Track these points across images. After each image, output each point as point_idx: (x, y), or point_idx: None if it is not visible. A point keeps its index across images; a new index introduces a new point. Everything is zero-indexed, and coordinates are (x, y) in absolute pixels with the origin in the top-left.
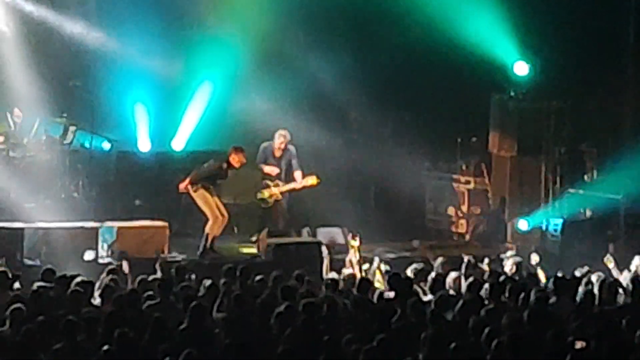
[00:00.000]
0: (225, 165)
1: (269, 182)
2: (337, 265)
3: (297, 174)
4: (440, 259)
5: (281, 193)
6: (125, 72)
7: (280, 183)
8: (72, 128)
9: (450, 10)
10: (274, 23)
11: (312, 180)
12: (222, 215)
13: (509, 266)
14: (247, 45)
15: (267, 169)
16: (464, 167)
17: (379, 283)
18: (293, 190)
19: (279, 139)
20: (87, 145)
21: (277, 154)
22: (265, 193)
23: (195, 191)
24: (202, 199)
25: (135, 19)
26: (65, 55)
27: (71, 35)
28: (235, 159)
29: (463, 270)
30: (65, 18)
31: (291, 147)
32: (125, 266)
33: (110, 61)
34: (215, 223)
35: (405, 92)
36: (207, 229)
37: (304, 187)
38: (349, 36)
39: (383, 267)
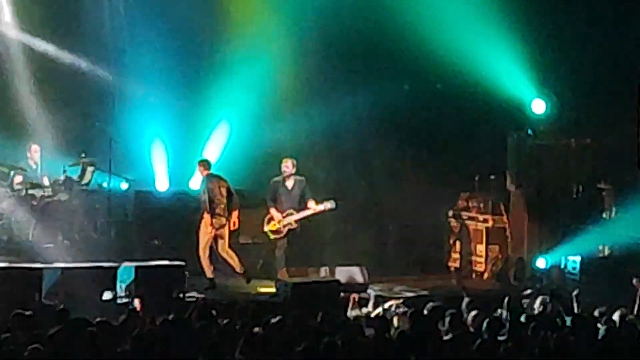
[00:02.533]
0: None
1: (275, 214)
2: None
3: (311, 203)
4: (466, 299)
5: (295, 221)
6: (143, 111)
7: (293, 212)
8: (90, 168)
9: (467, 49)
10: (291, 61)
11: (330, 204)
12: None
13: (537, 304)
14: (264, 84)
15: (272, 211)
16: (482, 206)
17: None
18: (311, 215)
19: (287, 164)
20: (105, 185)
21: (289, 184)
22: (271, 224)
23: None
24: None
25: (154, 59)
26: (84, 95)
27: (88, 74)
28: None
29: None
30: (83, 57)
31: (302, 178)
32: (137, 304)
33: (128, 101)
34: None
35: (423, 130)
36: None
37: (322, 212)
38: (367, 73)
39: (401, 309)
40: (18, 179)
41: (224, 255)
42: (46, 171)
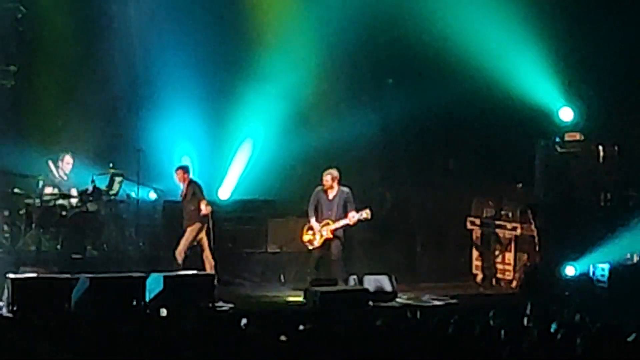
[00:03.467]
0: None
1: (315, 224)
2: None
3: (351, 214)
4: (492, 312)
5: (332, 232)
6: (171, 121)
7: (330, 222)
8: (118, 178)
9: (495, 57)
10: (318, 70)
11: (365, 214)
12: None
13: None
14: (292, 93)
15: (312, 221)
16: (510, 214)
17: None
18: (347, 226)
19: (326, 177)
20: (133, 195)
21: (330, 195)
22: (309, 234)
23: None
24: None
25: (181, 69)
26: (112, 106)
27: (116, 85)
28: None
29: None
30: (111, 68)
31: (345, 189)
32: (163, 313)
33: (156, 111)
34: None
35: (451, 138)
36: None
37: (357, 222)
38: (396, 82)
39: None
40: (48, 189)
41: (208, 260)
42: (74, 182)
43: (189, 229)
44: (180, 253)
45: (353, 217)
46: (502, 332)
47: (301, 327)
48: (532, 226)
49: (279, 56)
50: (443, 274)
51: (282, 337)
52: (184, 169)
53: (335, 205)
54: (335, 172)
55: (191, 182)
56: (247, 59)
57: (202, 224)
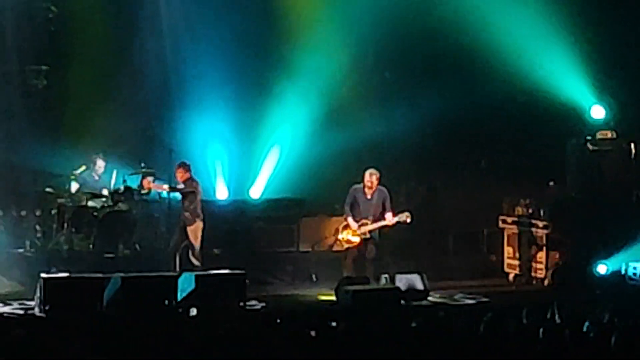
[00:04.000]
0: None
1: (352, 223)
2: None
3: (388, 215)
4: (524, 310)
5: (370, 231)
6: (203, 121)
7: (368, 222)
8: (150, 178)
9: (526, 55)
10: (349, 69)
11: (405, 217)
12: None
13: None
14: (322, 93)
15: (349, 220)
16: (542, 212)
17: None
18: (385, 227)
19: (368, 177)
20: (164, 195)
21: (368, 194)
22: (345, 232)
23: None
24: None
25: (213, 67)
26: (143, 106)
27: (148, 85)
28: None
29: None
30: (143, 68)
31: (384, 189)
32: (193, 312)
33: (188, 110)
34: None
35: (482, 137)
36: None
37: (396, 224)
38: (427, 81)
39: None
40: (74, 186)
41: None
42: (106, 182)
43: (190, 229)
44: (197, 257)
45: (392, 219)
46: (535, 330)
47: (333, 324)
48: (564, 224)
49: (310, 55)
50: (475, 273)
51: (312, 333)
52: (185, 167)
53: (374, 205)
54: (376, 173)
55: (192, 180)
56: (279, 58)
57: (202, 223)
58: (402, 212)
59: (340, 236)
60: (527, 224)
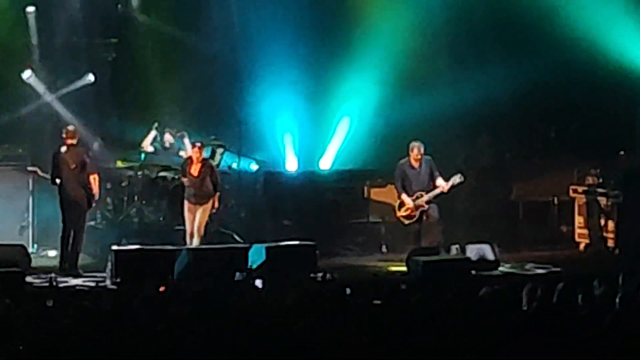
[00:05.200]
0: (187, 161)
1: (407, 199)
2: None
3: (439, 181)
4: (596, 280)
5: (427, 202)
6: (272, 93)
7: (423, 194)
8: (219, 150)
9: (594, 24)
10: (418, 40)
11: (458, 178)
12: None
13: None
14: (391, 64)
15: (403, 197)
16: (612, 181)
17: None
18: (441, 194)
19: (414, 151)
20: (234, 166)
21: (416, 165)
22: (403, 210)
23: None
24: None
25: (280, 41)
26: (213, 79)
27: (217, 59)
28: (193, 153)
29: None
30: (211, 41)
31: (428, 157)
32: (258, 283)
33: (257, 82)
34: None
35: (552, 106)
36: None
37: (451, 188)
38: (494, 52)
39: None
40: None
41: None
42: (176, 153)
43: (202, 209)
44: (201, 233)
45: (445, 184)
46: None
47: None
48: (635, 193)
49: (379, 26)
50: (546, 242)
51: (376, 301)
52: (201, 146)
53: (424, 176)
54: (421, 145)
55: (207, 161)
56: (349, 27)
57: (212, 202)
58: (454, 174)
59: (398, 214)
60: (597, 194)
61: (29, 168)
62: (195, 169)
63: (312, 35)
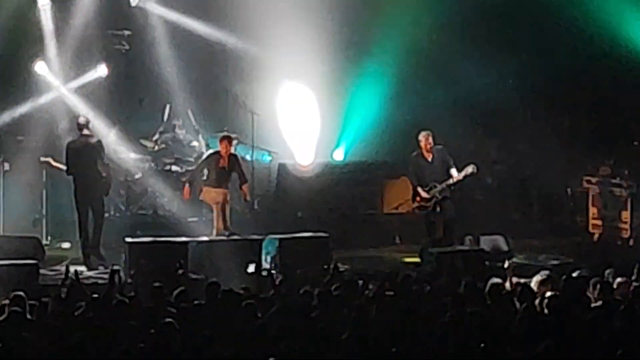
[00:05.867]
0: (215, 155)
1: (421, 190)
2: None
3: (453, 170)
4: (610, 269)
5: (440, 192)
6: (286, 83)
7: (436, 185)
8: (233, 142)
9: (609, 15)
10: (430, 29)
11: (471, 168)
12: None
13: None
14: (402, 55)
15: (418, 189)
16: (626, 172)
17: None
18: (455, 184)
19: (423, 141)
20: (248, 158)
21: (428, 157)
22: (417, 201)
23: (199, 193)
24: (208, 198)
25: (292, 31)
26: (226, 71)
27: (230, 51)
28: (221, 147)
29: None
30: (224, 33)
31: (440, 147)
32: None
33: (269, 74)
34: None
35: (565, 97)
36: None
37: (465, 177)
38: (505, 42)
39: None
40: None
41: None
42: (189, 142)
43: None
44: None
45: (458, 174)
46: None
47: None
48: None
49: (394, 16)
50: (559, 233)
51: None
52: (230, 140)
53: (437, 167)
54: (430, 133)
55: (235, 155)
56: (363, 20)
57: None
58: (467, 165)
59: (413, 205)
60: (611, 184)
61: (42, 159)
62: (223, 162)
63: (322, 27)
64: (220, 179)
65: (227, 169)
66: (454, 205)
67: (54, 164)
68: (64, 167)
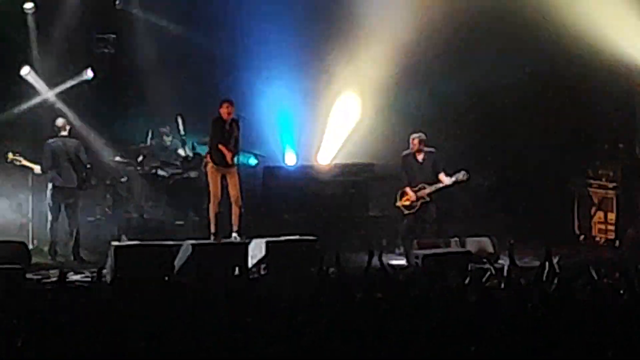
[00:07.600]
0: (217, 120)
1: (408, 190)
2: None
3: (442, 175)
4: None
5: (428, 195)
6: (270, 88)
7: (426, 186)
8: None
9: (588, 13)
10: (419, 33)
11: (462, 175)
12: (219, 195)
13: None
14: (390, 57)
15: (407, 188)
16: (611, 174)
17: None
18: (444, 188)
19: (414, 142)
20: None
21: (419, 158)
22: (405, 200)
23: (205, 167)
24: (210, 176)
25: (278, 35)
26: (211, 74)
27: (215, 54)
28: (222, 111)
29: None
30: (208, 36)
31: (432, 150)
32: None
33: (255, 78)
34: (212, 202)
35: (550, 99)
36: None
37: (454, 183)
38: (496, 43)
39: None
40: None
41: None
42: (174, 150)
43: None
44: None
45: (447, 179)
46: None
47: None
48: (634, 186)
49: (380, 18)
50: (544, 235)
51: (379, 295)
52: (230, 103)
53: (427, 168)
54: (422, 135)
55: (236, 120)
56: (343, 21)
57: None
58: (459, 171)
59: (398, 204)
60: (597, 186)
61: (10, 156)
62: (227, 126)
63: (308, 29)
64: (226, 140)
65: (230, 134)
66: (437, 210)
67: (24, 162)
68: (35, 166)
